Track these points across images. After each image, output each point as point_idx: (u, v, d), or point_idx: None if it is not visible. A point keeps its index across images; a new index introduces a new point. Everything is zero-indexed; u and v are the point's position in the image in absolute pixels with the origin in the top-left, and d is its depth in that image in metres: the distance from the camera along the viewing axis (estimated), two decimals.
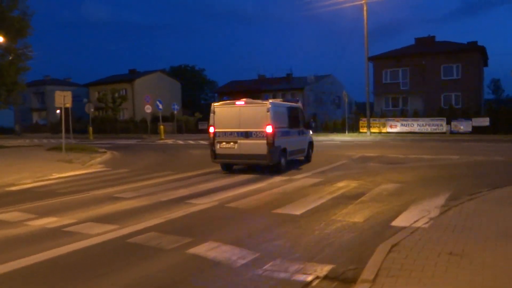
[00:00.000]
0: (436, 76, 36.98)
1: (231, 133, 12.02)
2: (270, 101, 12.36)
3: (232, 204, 7.25)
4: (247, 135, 11.78)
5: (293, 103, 14.43)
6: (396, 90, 41.52)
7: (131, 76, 57.62)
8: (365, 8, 27.37)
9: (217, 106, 12.41)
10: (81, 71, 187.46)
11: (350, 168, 11.95)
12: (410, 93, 39.03)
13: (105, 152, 18.47)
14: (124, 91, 53.82)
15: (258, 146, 11.50)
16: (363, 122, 29.97)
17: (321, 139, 25.91)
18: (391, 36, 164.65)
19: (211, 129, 12.23)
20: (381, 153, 15.85)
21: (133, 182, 10.25)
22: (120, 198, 8.15)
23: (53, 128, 53.68)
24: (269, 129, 11.46)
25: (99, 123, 44.49)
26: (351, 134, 29.71)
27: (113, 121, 41.31)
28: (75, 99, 54.26)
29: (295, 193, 8.25)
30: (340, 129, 31.06)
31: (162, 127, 30.00)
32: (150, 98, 33.94)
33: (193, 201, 7.59)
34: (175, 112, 37.93)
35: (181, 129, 39.46)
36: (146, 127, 39.66)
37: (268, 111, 11.65)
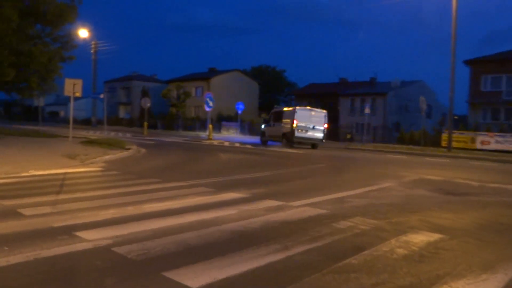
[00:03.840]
0: None
1: (305, 126, 22.02)
2: (324, 111, 23.85)
3: (125, 248, 4.53)
4: (314, 128, 22.30)
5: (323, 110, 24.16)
6: (497, 100, 35.19)
7: (209, 74, 57.33)
8: None
9: (298, 110, 22.74)
10: (173, 69, 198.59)
11: (386, 197, 8.50)
12: None
13: (129, 149, 16.81)
14: (201, 88, 53.65)
15: (319, 134, 22.56)
16: (445, 135, 25.01)
17: (388, 150, 21.91)
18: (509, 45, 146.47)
19: (294, 122, 22.00)
20: (449, 177, 11.90)
21: (88, 191, 8.05)
22: (17, 215, 5.90)
23: (131, 122, 55.35)
24: (325, 125, 22.93)
25: (169, 119, 44.34)
26: (427, 148, 24.98)
27: (177, 118, 40.71)
28: (155, 94, 55.32)
29: (254, 235, 5.29)
30: (417, 142, 26.43)
31: (210, 126, 28.09)
32: (212, 96, 32.33)
33: (84, 234, 5.01)
34: (239, 112, 36.09)
35: (244, 129, 37.46)
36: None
37: (325, 116, 23.16)
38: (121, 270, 3.95)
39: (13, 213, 6.01)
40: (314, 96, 57.20)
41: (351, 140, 40.09)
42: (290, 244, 4.91)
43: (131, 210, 6.41)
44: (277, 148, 22.95)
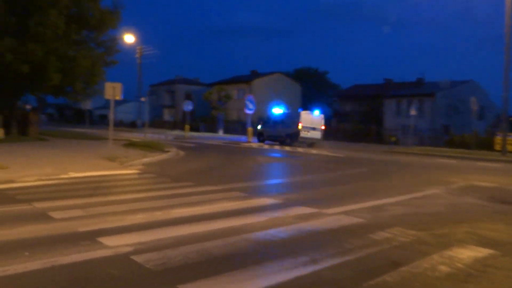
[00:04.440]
0: None
1: (307, 127, 25.45)
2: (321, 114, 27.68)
3: (145, 256, 4.35)
4: (314, 128, 25.77)
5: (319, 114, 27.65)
6: None
7: (251, 77, 57.48)
8: None
9: (302, 113, 25.93)
10: (216, 72, 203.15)
11: (430, 205, 7.89)
12: None
13: (168, 151, 16.94)
14: (242, 91, 53.81)
15: (317, 134, 26.14)
16: (499, 137, 23.42)
17: (436, 154, 20.77)
18: None
19: (300, 125, 25.23)
20: (502, 184, 11.01)
21: (121, 194, 8.07)
22: (46, 218, 5.91)
23: (174, 125, 56.47)
24: (323, 127, 26.93)
25: (210, 122, 44.79)
26: (479, 152, 23.51)
27: (218, 121, 41.05)
28: (198, 97, 56.07)
29: (281, 246, 4.97)
30: (468, 145, 24.97)
31: (250, 129, 27.97)
32: (253, 99, 32.24)
33: (107, 240, 4.90)
34: None
35: None
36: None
37: (322, 119, 27.06)
38: (135, 281, 3.76)
39: (43, 216, 6.04)
40: (358, 97, 55.84)
41: (396, 143, 38.64)
42: (319, 257, 4.54)
43: (158, 215, 6.28)
44: (316, 151, 22.48)
